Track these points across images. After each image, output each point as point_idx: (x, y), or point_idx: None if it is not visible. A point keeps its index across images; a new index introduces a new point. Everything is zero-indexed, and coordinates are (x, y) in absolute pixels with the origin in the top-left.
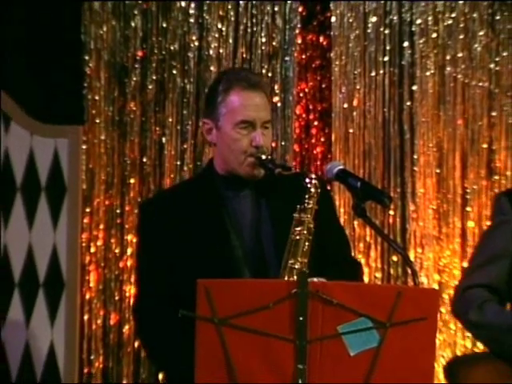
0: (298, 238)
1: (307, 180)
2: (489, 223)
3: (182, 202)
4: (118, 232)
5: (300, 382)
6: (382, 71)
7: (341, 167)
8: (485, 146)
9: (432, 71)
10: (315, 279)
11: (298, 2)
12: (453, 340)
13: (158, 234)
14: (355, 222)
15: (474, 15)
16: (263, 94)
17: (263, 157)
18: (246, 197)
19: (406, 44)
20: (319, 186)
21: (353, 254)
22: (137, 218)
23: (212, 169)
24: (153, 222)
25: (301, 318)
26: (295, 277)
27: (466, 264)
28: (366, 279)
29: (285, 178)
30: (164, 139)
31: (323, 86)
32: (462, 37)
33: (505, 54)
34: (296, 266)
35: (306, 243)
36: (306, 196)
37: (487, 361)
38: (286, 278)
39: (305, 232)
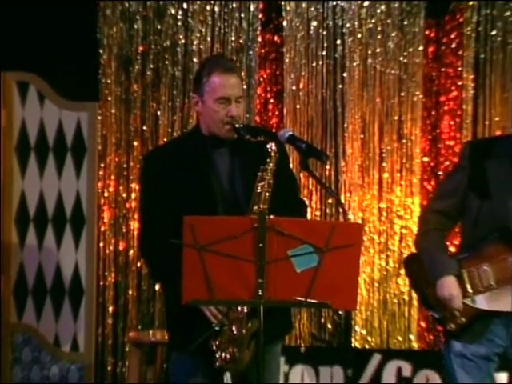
0: (260, 190)
1: (268, 146)
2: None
3: (175, 154)
4: (125, 181)
5: (260, 292)
6: (320, 62)
7: (290, 133)
8: (396, 117)
9: (357, 62)
10: (272, 216)
11: (259, 11)
12: (372, 260)
13: (157, 178)
14: (301, 174)
15: (388, 21)
16: (237, 76)
17: (236, 125)
18: (224, 153)
19: (338, 42)
20: (277, 150)
21: (300, 196)
22: (139, 170)
23: (198, 130)
24: (152, 168)
25: (260, 245)
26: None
27: (383, 205)
28: (308, 216)
29: (252, 142)
30: (159, 112)
31: (277, 73)
32: (379, 37)
33: (410, 49)
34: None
35: (267, 194)
36: (268, 160)
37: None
38: None
39: (266, 186)
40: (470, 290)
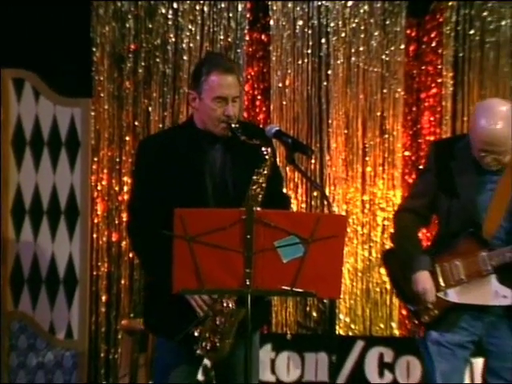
0: (253, 193)
1: (264, 150)
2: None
3: (169, 145)
4: (118, 175)
5: (248, 282)
6: (306, 60)
7: (277, 128)
8: (378, 113)
9: (341, 60)
10: (259, 209)
11: (247, 10)
12: (355, 251)
13: (150, 167)
14: (287, 168)
15: (371, 20)
16: (235, 76)
17: (232, 125)
18: (218, 149)
19: (323, 41)
20: (271, 154)
21: (284, 191)
22: (134, 157)
23: (193, 123)
24: (146, 157)
25: (248, 236)
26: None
27: (366, 197)
28: (294, 208)
29: (247, 143)
30: (150, 108)
31: (264, 70)
32: (362, 36)
33: (392, 48)
34: None
35: (259, 196)
36: (262, 164)
37: None
38: None
39: (259, 190)
40: (442, 284)
